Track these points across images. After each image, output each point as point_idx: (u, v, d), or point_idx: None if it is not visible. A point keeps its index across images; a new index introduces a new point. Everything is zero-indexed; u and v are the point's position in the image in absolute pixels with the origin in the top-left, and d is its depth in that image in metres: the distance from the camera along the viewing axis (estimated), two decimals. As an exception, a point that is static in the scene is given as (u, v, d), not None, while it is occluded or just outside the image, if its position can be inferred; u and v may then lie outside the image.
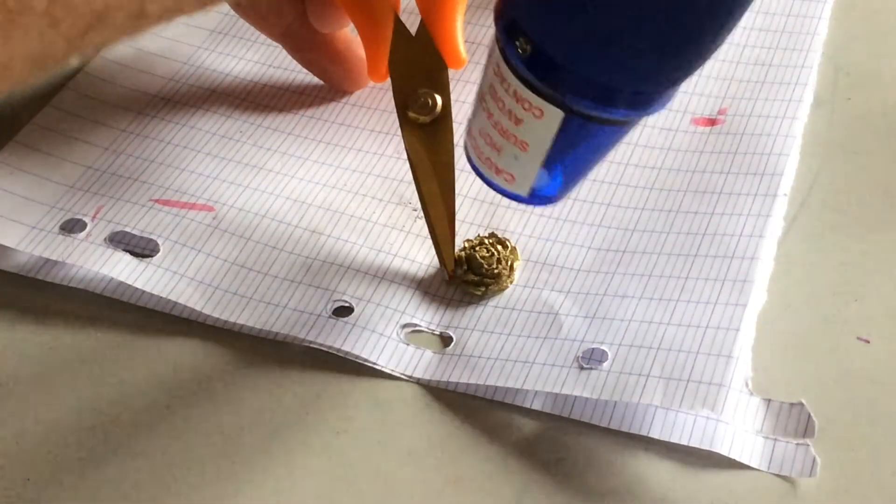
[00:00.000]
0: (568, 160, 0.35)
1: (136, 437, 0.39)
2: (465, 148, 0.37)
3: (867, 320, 0.41)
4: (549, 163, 0.35)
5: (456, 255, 0.43)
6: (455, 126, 0.43)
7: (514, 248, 0.43)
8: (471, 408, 0.39)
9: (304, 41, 0.48)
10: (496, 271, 0.42)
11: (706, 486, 0.37)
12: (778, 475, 0.37)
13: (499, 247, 0.43)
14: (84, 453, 0.38)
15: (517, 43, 0.32)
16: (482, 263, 0.42)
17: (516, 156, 0.35)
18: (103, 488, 0.37)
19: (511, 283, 0.42)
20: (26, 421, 0.39)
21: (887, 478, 0.37)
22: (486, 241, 0.43)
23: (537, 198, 0.37)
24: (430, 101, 0.43)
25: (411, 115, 0.43)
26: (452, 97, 0.44)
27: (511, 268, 0.42)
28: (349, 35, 0.49)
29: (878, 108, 0.49)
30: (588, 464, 0.37)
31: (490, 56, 0.34)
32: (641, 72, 0.32)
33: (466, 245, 0.43)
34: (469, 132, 0.37)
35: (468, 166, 0.38)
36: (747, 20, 0.36)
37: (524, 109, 0.33)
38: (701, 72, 0.33)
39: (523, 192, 0.36)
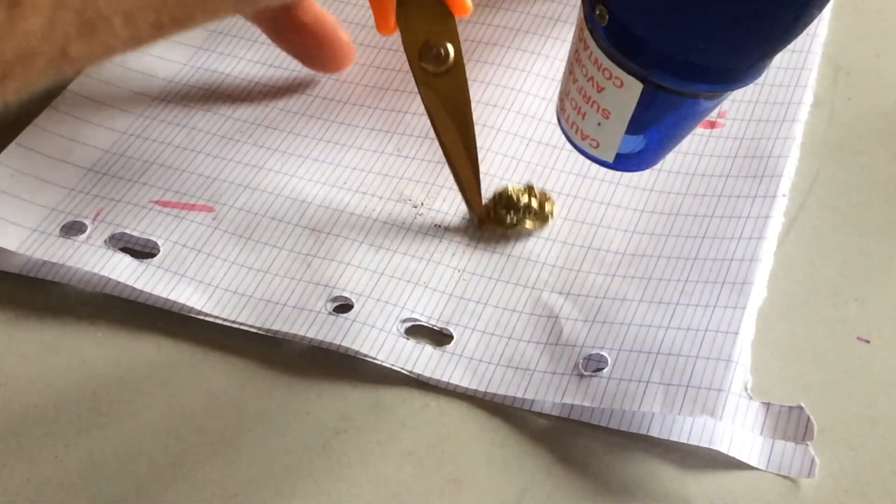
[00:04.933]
0: (653, 129, 0.34)
1: (136, 437, 0.39)
2: (557, 111, 0.37)
3: (867, 320, 0.41)
4: (634, 131, 0.34)
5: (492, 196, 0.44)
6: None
7: (547, 210, 0.44)
8: (471, 408, 0.39)
9: (288, 27, 0.48)
10: (509, 218, 0.43)
11: (706, 485, 0.37)
12: (777, 475, 0.37)
13: (533, 199, 0.44)
14: (84, 453, 0.38)
15: (597, 10, 0.31)
16: (506, 201, 0.43)
17: (599, 122, 0.34)
18: (103, 489, 0.37)
19: (517, 232, 0.43)
20: (27, 421, 0.39)
21: (887, 478, 0.37)
22: (534, 190, 0.44)
23: (624, 164, 0.36)
24: (442, 52, 0.44)
25: (426, 66, 0.44)
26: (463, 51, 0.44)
27: (527, 217, 0.43)
28: (332, 18, 0.49)
29: (878, 108, 0.49)
30: (588, 464, 0.37)
31: (578, 20, 0.34)
32: (724, 48, 0.30)
33: (510, 187, 0.44)
34: (559, 95, 0.36)
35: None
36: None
37: (605, 78, 0.32)
38: None
39: (609, 157, 0.35)
